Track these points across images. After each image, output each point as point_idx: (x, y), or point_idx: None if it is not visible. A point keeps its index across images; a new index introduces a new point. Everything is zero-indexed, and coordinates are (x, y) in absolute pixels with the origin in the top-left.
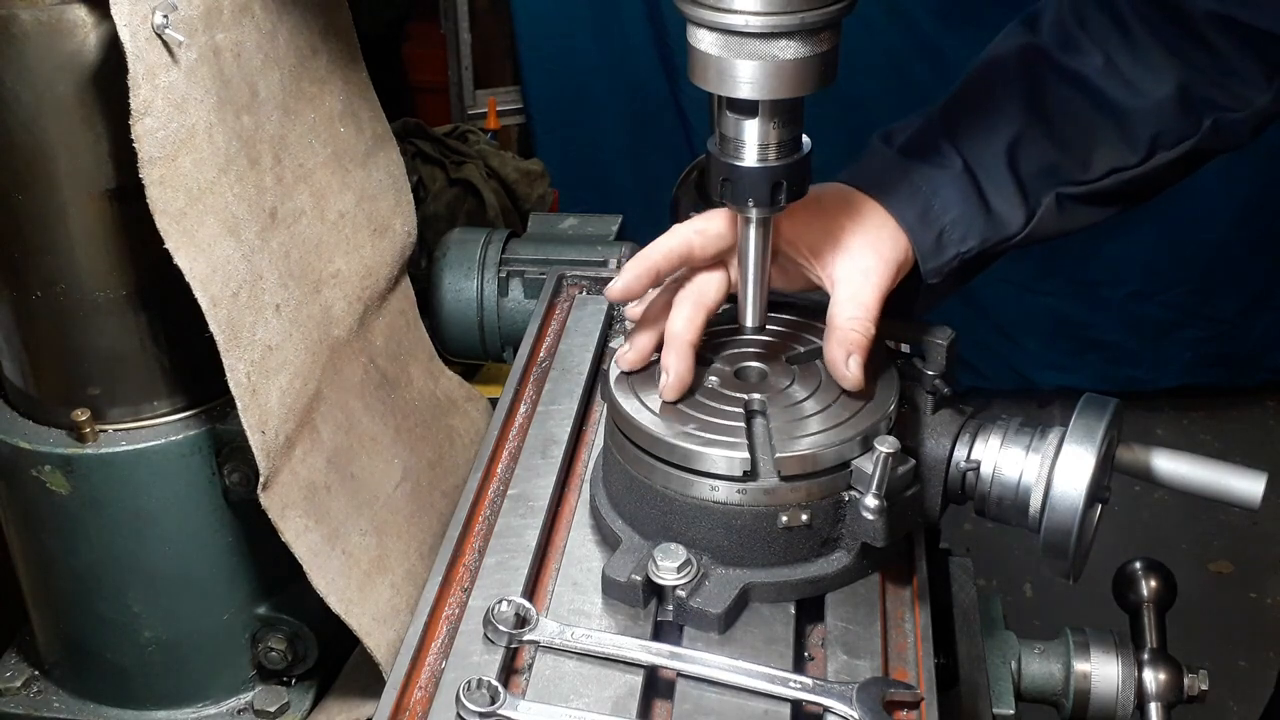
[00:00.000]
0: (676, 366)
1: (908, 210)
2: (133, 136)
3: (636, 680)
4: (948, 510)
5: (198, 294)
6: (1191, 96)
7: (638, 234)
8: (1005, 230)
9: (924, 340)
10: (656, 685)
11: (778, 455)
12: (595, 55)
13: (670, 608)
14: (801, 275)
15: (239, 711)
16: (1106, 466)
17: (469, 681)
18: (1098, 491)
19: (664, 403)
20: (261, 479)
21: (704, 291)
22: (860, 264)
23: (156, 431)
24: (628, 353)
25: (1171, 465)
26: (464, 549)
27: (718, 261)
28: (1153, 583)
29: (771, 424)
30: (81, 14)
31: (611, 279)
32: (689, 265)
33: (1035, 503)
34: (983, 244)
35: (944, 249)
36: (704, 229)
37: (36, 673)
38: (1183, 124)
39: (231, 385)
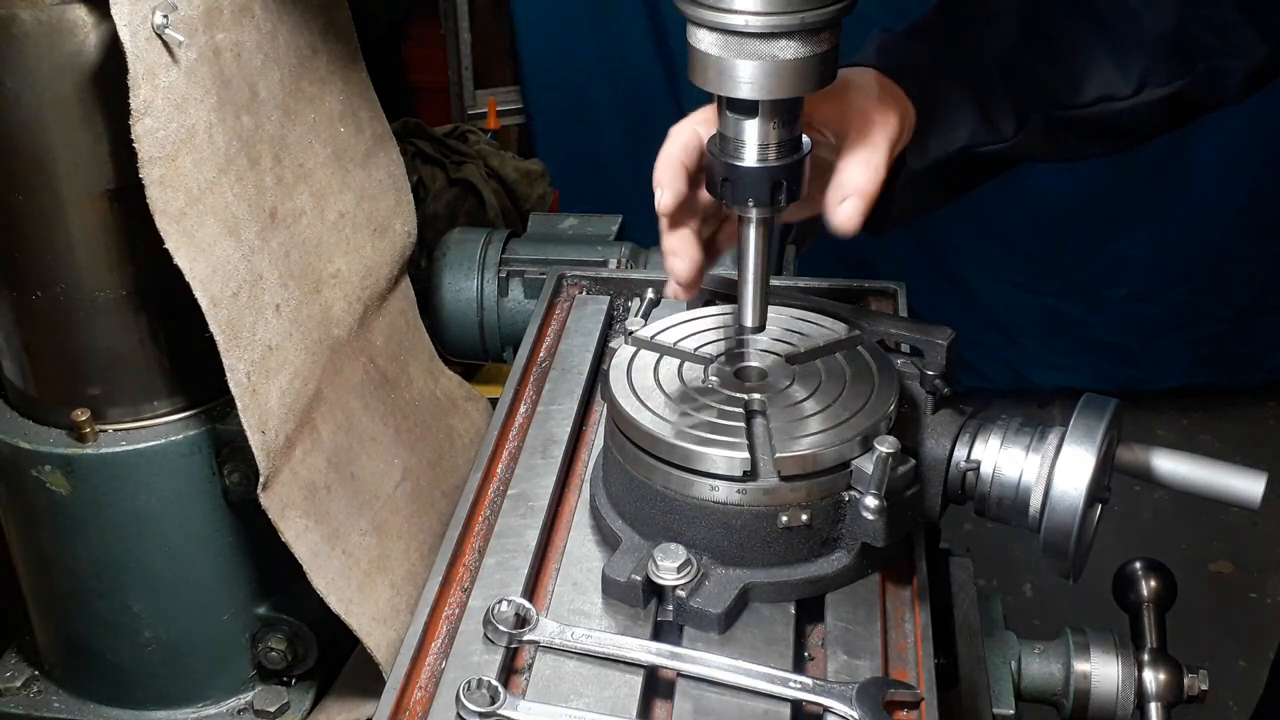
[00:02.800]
0: (685, 256)
1: (910, 86)
2: (133, 136)
3: (636, 680)
4: (948, 510)
5: (198, 294)
6: (1187, 36)
7: (638, 234)
8: (996, 135)
9: (924, 340)
10: (656, 685)
11: (778, 455)
12: (595, 55)
13: (670, 608)
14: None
15: (239, 711)
16: (1106, 466)
17: (469, 681)
18: (1098, 491)
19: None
20: (261, 479)
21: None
22: (868, 129)
23: (156, 431)
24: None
25: (1171, 465)
26: (464, 549)
27: None
28: (1153, 583)
29: (771, 424)
30: (81, 14)
31: (611, 278)
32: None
33: (1035, 503)
34: (971, 141)
35: (933, 136)
36: (707, 119)
37: (36, 673)
38: (1175, 63)
39: (231, 385)
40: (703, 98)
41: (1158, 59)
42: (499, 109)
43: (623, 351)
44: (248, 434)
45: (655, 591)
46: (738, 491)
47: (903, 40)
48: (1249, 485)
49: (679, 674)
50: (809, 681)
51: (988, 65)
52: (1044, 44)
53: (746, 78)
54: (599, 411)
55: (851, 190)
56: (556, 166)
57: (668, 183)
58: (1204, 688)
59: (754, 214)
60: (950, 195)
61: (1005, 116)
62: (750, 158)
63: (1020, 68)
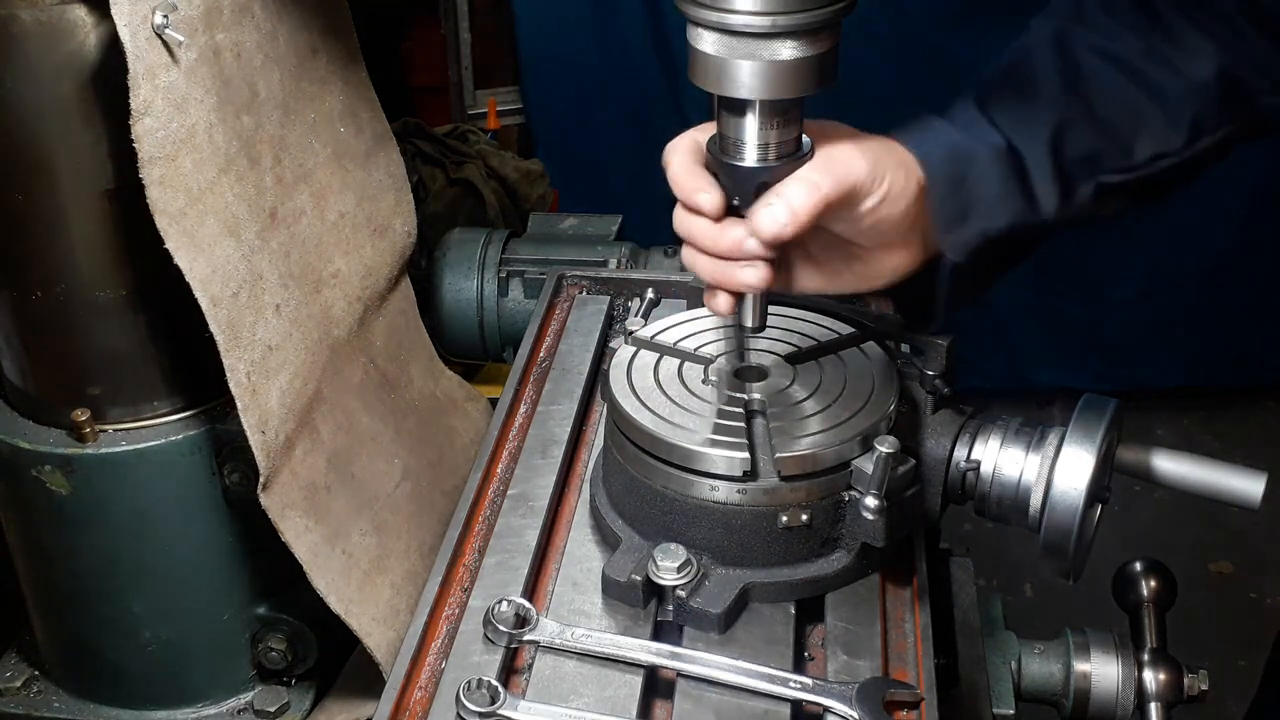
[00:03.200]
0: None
1: (939, 171)
2: (133, 136)
3: (636, 680)
4: (948, 510)
5: (198, 294)
6: (1232, 78)
7: (638, 234)
8: (1038, 214)
9: (924, 340)
10: (656, 685)
11: (778, 455)
12: (595, 55)
13: (670, 608)
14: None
15: (239, 711)
16: (1106, 466)
17: (469, 681)
18: (1098, 491)
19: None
20: (261, 479)
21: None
22: (841, 155)
23: (156, 431)
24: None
25: (1171, 465)
26: (464, 549)
27: None
28: (1153, 583)
29: (771, 424)
30: (81, 14)
31: (611, 278)
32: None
33: (1035, 503)
34: (1013, 223)
35: (969, 220)
36: (704, 130)
37: (36, 673)
38: (1225, 106)
39: (231, 385)
40: (703, 98)
41: (1207, 105)
42: (499, 109)
43: (623, 351)
44: (248, 434)
45: (655, 591)
46: (738, 491)
47: (942, 126)
48: (1249, 485)
49: (679, 674)
50: (809, 681)
51: (1033, 144)
52: (1089, 112)
53: (745, 78)
54: (599, 411)
55: (780, 198)
56: (556, 166)
57: (705, 185)
58: (1204, 688)
59: None
60: (989, 282)
61: (1050, 194)
62: (749, 158)
63: (1071, 142)
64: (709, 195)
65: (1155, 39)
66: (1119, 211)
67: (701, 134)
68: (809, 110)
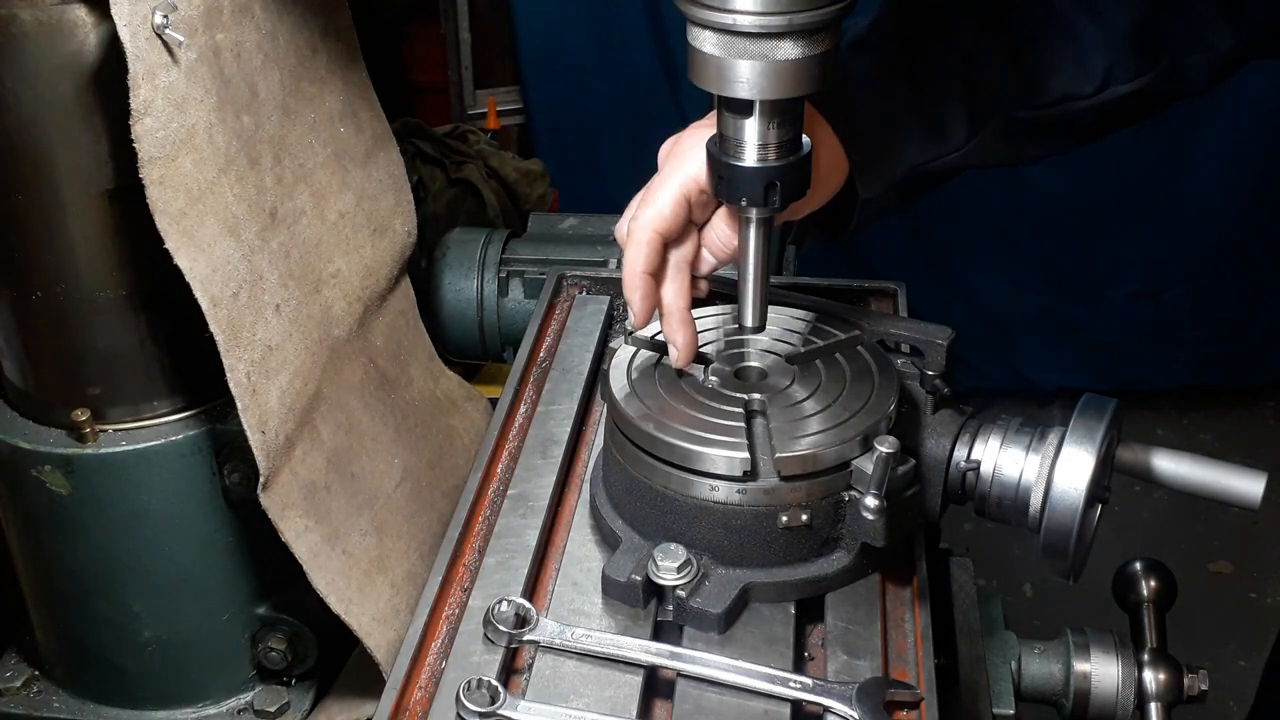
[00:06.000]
0: (682, 336)
1: (850, 111)
2: (133, 136)
3: (636, 680)
4: (948, 510)
5: (198, 294)
6: (1151, 31)
7: None
8: (945, 147)
9: (924, 340)
10: (656, 685)
11: (778, 455)
12: (595, 55)
13: (670, 608)
14: None
15: (239, 711)
16: (1106, 466)
17: (469, 681)
18: (1098, 491)
19: (676, 370)
20: (261, 479)
21: (686, 258)
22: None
23: (156, 431)
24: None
25: (1171, 465)
26: (464, 549)
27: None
28: (1153, 583)
29: (771, 424)
30: (81, 14)
31: (611, 279)
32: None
33: (1035, 503)
34: (921, 158)
35: (880, 159)
36: (700, 179)
37: (36, 673)
38: (1140, 58)
39: (231, 385)
40: (703, 98)
41: (1122, 55)
42: (499, 109)
43: (623, 351)
44: (248, 434)
45: (655, 591)
46: (738, 491)
47: (846, 57)
48: (1249, 485)
49: (679, 674)
50: (809, 681)
51: (940, 73)
52: (1003, 46)
53: (745, 78)
54: (599, 411)
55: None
56: (556, 166)
57: (637, 301)
58: (1204, 688)
59: (752, 214)
60: (904, 205)
61: (957, 125)
62: (749, 158)
63: (978, 72)
64: (632, 313)
65: None
66: (1034, 153)
67: (694, 184)
68: None
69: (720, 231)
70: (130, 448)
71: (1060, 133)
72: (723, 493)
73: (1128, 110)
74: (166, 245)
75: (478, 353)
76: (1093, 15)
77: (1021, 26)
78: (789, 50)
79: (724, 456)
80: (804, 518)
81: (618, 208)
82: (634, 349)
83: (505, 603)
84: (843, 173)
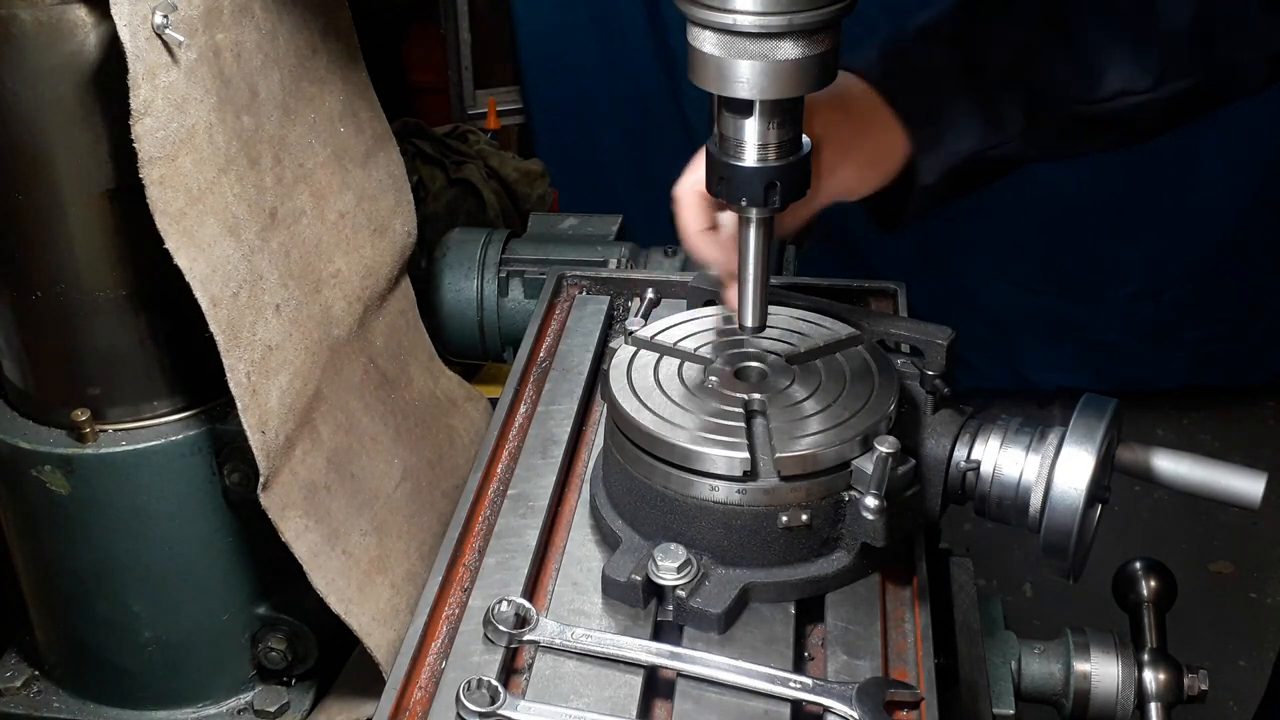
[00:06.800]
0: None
1: (914, 99)
2: (133, 136)
3: (636, 680)
4: (948, 510)
5: (198, 294)
6: (1207, 28)
7: (638, 234)
8: (1002, 136)
9: (924, 340)
10: (656, 685)
11: (778, 455)
12: (595, 55)
13: (670, 608)
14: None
15: (239, 711)
16: (1106, 466)
17: (469, 681)
18: (1098, 491)
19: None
20: (261, 479)
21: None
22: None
23: (156, 431)
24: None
25: (1171, 465)
26: (464, 549)
27: None
28: (1153, 583)
29: (771, 424)
30: (81, 14)
31: (611, 278)
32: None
33: (1035, 503)
34: (980, 145)
35: (941, 146)
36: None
37: (36, 673)
38: (1195, 56)
39: (231, 385)
40: (703, 98)
41: (1177, 52)
42: (499, 109)
43: (623, 351)
44: (248, 434)
45: (655, 591)
46: (738, 491)
47: (911, 45)
48: (1249, 485)
49: (679, 674)
50: (809, 681)
51: (1000, 64)
52: (1062, 40)
53: (745, 78)
54: (599, 411)
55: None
56: (556, 166)
57: (707, 256)
58: (1204, 688)
59: (751, 214)
60: (959, 196)
61: (1012, 114)
62: (749, 158)
63: (1036, 65)
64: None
65: None
66: (1086, 148)
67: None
68: None
69: None
70: (130, 448)
71: (1114, 129)
72: (723, 493)
73: (1183, 108)
74: (166, 245)
75: (478, 353)
76: (1149, 11)
77: (1080, 21)
78: (789, 50)
79: (724, 456)
80: (804, 518)
81: (618, 208)
82: (634, 349)
83: (505, 603)
84: (899, 157)
